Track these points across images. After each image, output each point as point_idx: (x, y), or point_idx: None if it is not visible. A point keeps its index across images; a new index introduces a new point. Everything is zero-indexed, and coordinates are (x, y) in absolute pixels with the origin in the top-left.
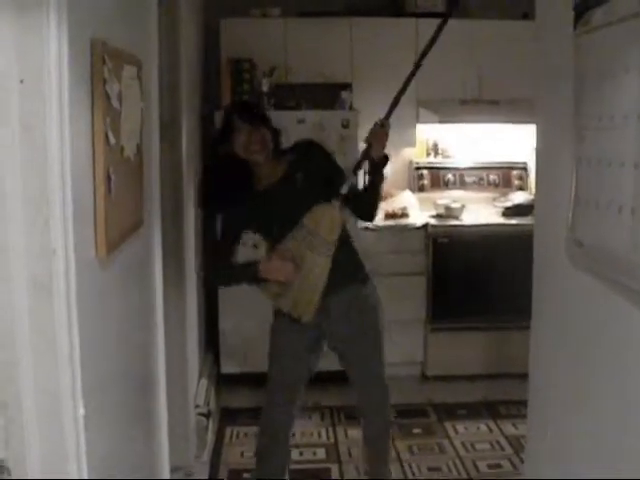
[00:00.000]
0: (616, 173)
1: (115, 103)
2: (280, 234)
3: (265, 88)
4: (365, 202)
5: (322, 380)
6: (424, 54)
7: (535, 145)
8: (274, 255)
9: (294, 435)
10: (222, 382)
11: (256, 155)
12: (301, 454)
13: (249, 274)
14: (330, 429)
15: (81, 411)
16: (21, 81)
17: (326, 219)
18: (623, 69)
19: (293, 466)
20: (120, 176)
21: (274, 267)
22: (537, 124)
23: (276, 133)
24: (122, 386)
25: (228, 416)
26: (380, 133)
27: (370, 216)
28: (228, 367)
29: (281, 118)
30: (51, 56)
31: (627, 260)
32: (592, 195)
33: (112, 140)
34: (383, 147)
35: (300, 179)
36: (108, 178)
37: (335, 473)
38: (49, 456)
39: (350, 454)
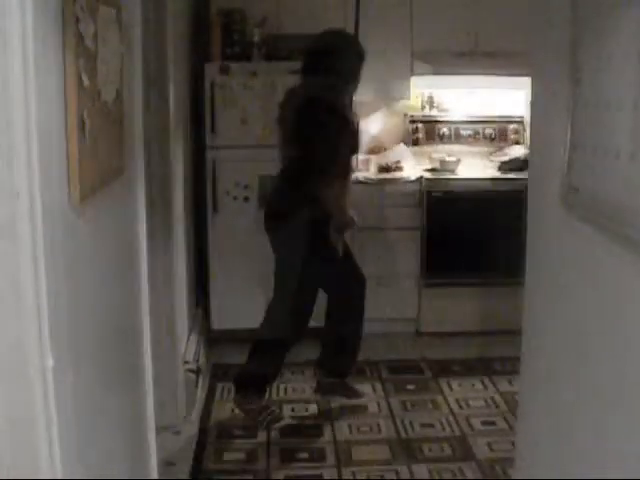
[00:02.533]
0: (614, 116)
1: (90, 44)
2: None
3: (256, 39)
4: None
5: (314, 336)
6: None
7: (530, 95)
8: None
9: (286, 392)
10: (213, 338)
11: None
12: (293, 410)
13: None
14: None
15: (49, 362)
16: None
17: None
18: (621, 7)
19: (285, 422)
20: (96, 120)
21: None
22: (532, 72)
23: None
24: (100, 340)
25: (219, 372)
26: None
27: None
28: (219, 323)
29: (272, 69)
30: None
31: (624, 207)
32: (588, 140)
33: (86, 82)
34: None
35: None
36: (82, 122)
37: (327, 429)
38: (14, 411)
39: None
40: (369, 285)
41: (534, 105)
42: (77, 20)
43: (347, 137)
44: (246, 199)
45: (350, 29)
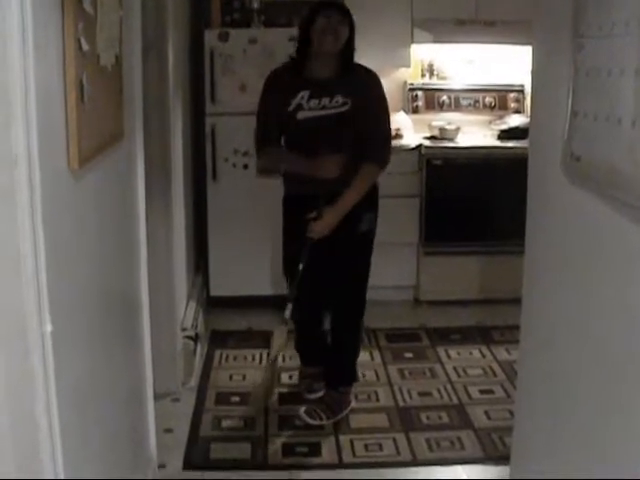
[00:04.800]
0: (616, 83)
1: (88, 8)
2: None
3: (256, 5)
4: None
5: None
6: None
7: (531, 63)
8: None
9: (284, 359)
10: (211, 305)
11: (327, 45)
12: (290, 377)
13: (298, 165)
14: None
15: (48, 327)
16: None
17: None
18: None
19: (283, 389)
20: (95, 85)
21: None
22: (534, 40)
23: (352, 35)
24: (99, 306)
25: (218, 339)
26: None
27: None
28: (217, 290)
29: (272, 35)
30: None
31: (626, 174)
32: (590, 107)
33: (85, 47)
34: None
35: (339, 101)
36: (81, 86)
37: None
38: (13, 375)
39: None
40: None
41: (535, 73)
42: None
43: None
44: (245, 166)
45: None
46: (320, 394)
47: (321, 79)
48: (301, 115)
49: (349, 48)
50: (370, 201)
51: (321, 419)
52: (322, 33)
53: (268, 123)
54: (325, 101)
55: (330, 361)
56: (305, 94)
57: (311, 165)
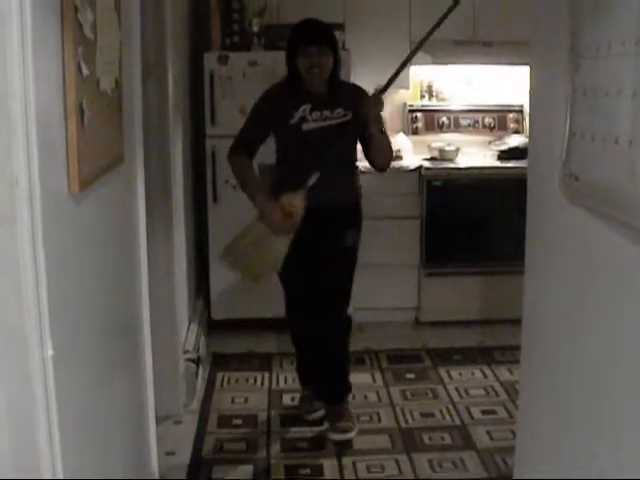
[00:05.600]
0: (613, 103)
1: (88, 33)
2: (292, 149)
3: (255, 28)
4: (373, 157)
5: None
6: (428, 35)
7: (529, 83)
8: (280, 203)
9: (286, 381)
10: (213, 327)
11: (314, 78)
12: (292, 399)
13: (250, 191)
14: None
15: (49, 352)
16: None
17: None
18: None
19: (283, 412)
20: (95, 109)
21: (273, 216)
22: (531, 60)
23: (337, 58)
24: (100, 329)
25: (219, 362)
26: (377, 106)
27: (379, 169)
28: (219, 312)
29: (271, 58)
30: None
31: (624, 194)
32: (588, 127)
33: (85, 71)
34: (379, 119)
35: (340, 112)
36: (81, 110)
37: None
38: (14, 400)
39: None
40: (370, 274)
41: (533, 93)
42: (76, 9)
43: None
44: None
45: (346, 19)
46: (320, 413)
47: (319, 94)
48: (306, 126)
49: (336, 65)
50: (354, 219)
51: (347, 431)
52: (307, 71)
53: (253, 132)
54: (327, 113)
55: (323, 378)
56: (307, 107)
57: (267, 205)
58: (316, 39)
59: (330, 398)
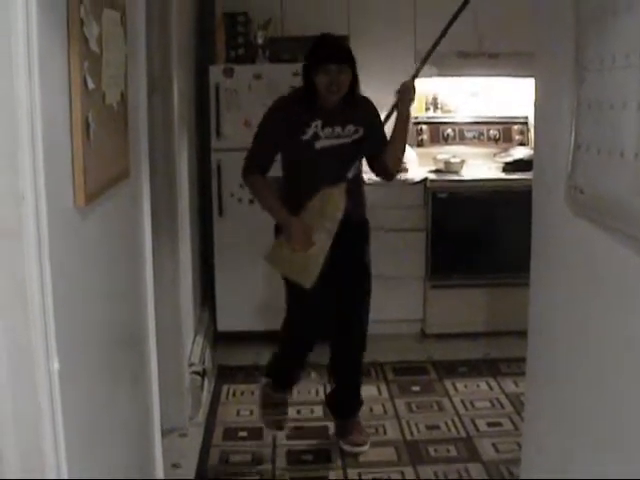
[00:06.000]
0: (618, 116)
1: (94, 47)
2: (305, 165)
3: (260, 41)
4: (387, 157)
5: (320, 338)
6: (442, 35)
7: (534, 96)
8: (300, 224)
9: (291, 394)
10: (219, 340)
11: (332, 95)
12: (298, 412)
13: (272, 210)
14: (328, 386)
15: (56, 365)
16: None
17: (333, 200)
18: (625, 6)
19: (291, 424)
20: (101, 123)
21: (295, 233)
22: (536, 73)
23: (355, 75)
24: (106, 342)
25: (225, 374)
26: (410, 88)
27: (390, 174)
28: (224, 325)
29: (276, 71)
30: None
31: (630, 206)
32: (593, 140)
33: (91, 85)
34: (411, 101)
35: (351, 129)
36: (87, 124)
37: (333, 431)
38: (21, 413)
39: None
40: (375, 286)
41: (538, 106)
42: (82, 23)
43: None
44: (251, 201)
45: (351, 31)
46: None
47: (330, 109)
48: (319, 144)
49: (354, 82)
50: (367, 234)
51: (361, 445)
52: (326, 89)
53: (266, 149)
54: (338, 130)
55: (338, 393)
56: (318, 123)
57: (289, 222)
58: (336, 57)
59: (344, 412)
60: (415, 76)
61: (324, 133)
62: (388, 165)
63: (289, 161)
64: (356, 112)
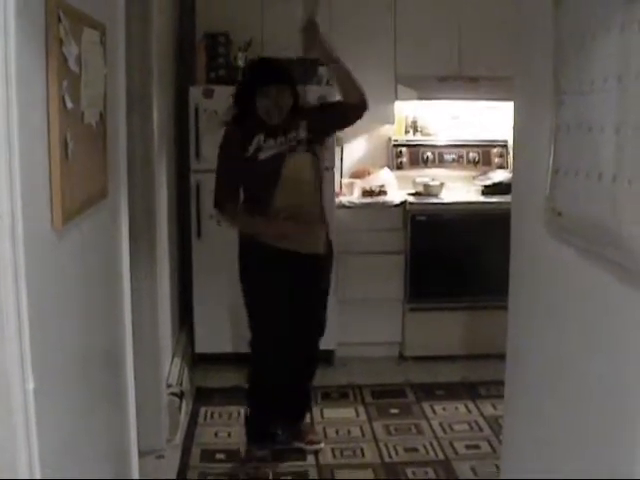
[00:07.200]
0: (596, 139)
1: (73, 66)
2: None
3: (241, 62)
4: (347, 97)
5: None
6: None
7: (513, 119)
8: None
9: None
10: (197, 361)
11: (274, 120)
12: (282, 432)
13: (258, 230)
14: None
15: (31, 385)
16: None
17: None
18: (604, 26)
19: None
20: (80, 143)
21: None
22: (515, 96)
23: (296, 95)
24: (83, 363)
25: (203, 396)
26: (311, 25)
27: (360, 106)
28: (203, 346)
29: None
30: None
31: (607, 229)
32: (571, 163)
33: (70, 104)
34: (315, 42)
35: (292, 137)
36: (65, 144)
37: (310, 453)
38: None
39: (326, 435)
40: (354, 309)
41: (517, 129)
42: (61, 42)
43: None
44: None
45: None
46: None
47: (273, 124)
48: (262, 155)
49: (296, 100)
50: (331, 259)
51: (318, 442)
52: (266, 113)
53: (227, 181)
54: (281, 139)
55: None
56: (260, 137)
57: (288, 226)
58: (274, 78)
59: (296, 416)
60: (314, 12)
61: (267, 144)
62: (352, 102)
63: (245, 183)
64: (298, 121)
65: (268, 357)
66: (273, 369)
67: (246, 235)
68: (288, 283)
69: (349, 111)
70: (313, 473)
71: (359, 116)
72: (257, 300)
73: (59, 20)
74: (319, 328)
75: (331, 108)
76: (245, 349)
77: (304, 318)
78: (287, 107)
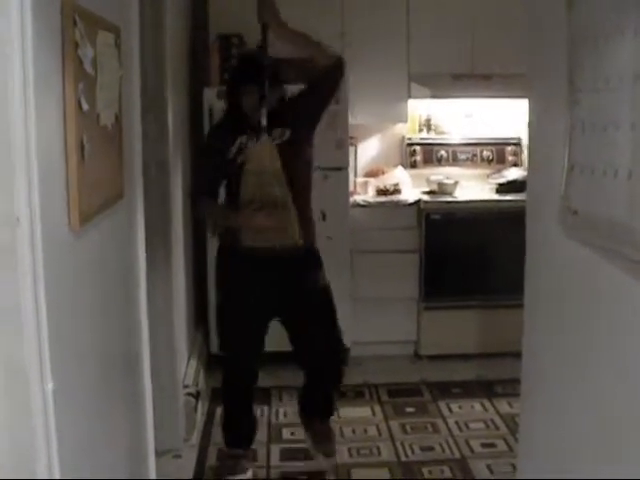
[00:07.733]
0: (612, 136)
1: (89, 69)
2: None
3: None
4: (315, 62)
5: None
6: None
7: (528, 117)
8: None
9: (286, 415)
10: (212, 362)
11: (260, 117)
12: (292, 434)
13: (231, 219)
14: None
15: (50, 385)
16: None
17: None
18: (618, 30)
19: (283, 445)
20: (96, 145)
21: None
22: (530, 94)
23: (281, 89)
24: (100, 363)
25: (219, 396)
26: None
27: (331, 68)
28: (218, 347)
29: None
30: (12, 13)
31: (623, 227)
32: (586, 161)
33: (85, 107)
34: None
35: (277, 134)
36: (81, 146)
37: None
38: (15, 433)
39: (342, 434)
40: (369, 307)
41: (532, 127)
42: (76, 45)
43: None
44: None
45: (344, 54)
46: (247, 476)
47: (257, 124)
48: (243, 157)
49: (282, 98)
50: (319, 259)
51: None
52: (251, 111)
53: (206, 175)
54: (263, 139)
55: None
56: (243, 138)
57: (257, 216)
58: (257, 77)
59: (318, 416)
60: None
61: (249, 145)
62: (326, 62)
63: (230, 184)
64: (282, 116)
65: (237, 361)
66: (243, 372)
67: (226, 241)
68: (265, 288)
69: (328, 74)
70: (330, 472)
71: (340, 74)
72: (232, 306)
73: (75, 23)
74: (325, 329)
75: (310, 85)
76: None
77: (302, 318)
78: (270, 105)
